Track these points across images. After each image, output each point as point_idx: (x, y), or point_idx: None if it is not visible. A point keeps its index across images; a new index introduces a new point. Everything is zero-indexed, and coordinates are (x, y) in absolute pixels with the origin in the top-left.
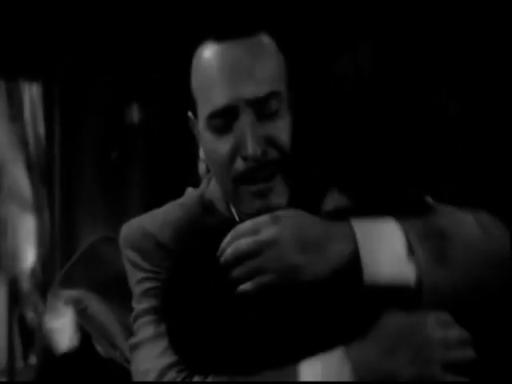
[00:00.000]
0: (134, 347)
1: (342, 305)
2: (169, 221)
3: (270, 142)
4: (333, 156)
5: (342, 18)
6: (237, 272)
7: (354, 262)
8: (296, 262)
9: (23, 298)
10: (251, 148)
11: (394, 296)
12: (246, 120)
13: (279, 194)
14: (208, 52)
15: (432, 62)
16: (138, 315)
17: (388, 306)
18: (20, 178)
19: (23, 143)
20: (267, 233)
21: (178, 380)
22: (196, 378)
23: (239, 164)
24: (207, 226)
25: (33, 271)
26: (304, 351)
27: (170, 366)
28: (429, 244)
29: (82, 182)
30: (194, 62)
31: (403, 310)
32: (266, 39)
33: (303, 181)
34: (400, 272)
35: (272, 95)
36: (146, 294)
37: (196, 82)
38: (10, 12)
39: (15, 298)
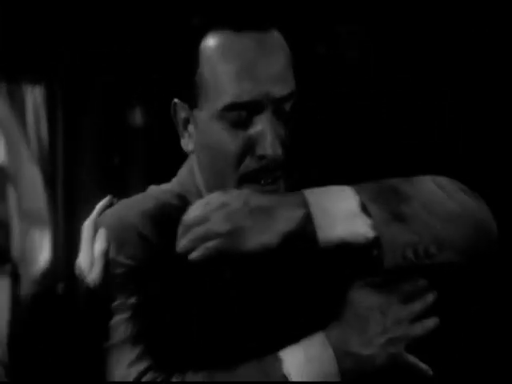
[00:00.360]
0: (109, 349)
1: (307, 278)
2: (148, 211)
3: (282, 143)
4: (327, 159)
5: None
6: (184, 241)
7: (307, 226)
8: (243, 225)
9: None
10: (272, 147)
11: (356, 260)
12: (268, 117)
13: None
14: (226, 41)
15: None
16: (113, 310)
17: (351, 274)
18: (27, 183)
19: (26, 146)
20: (215, 200)
21: (159, 380)
22: (174, 379)
23: (251, 162)
24: None
25: (35, 275)
26: (280, 334)
27: (146, 370)
28: (383, 201)
29: (85, 184)
30: (205, 49)
31: (368, 282)
32: (279, 36)
33: (298, 185)
34: (356, 231)
35: (291, 95)
36: (119, 290)
37: (208, 70)
38: (11, 14)
39: (17, 302)
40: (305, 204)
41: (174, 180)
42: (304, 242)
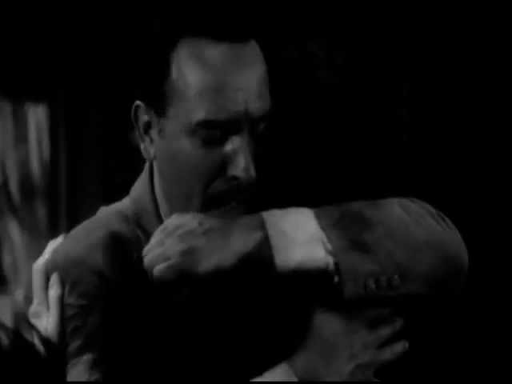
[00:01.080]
0: None
1: (267, 303)
2: (95, 242)
3: (255, 164)
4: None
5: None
6: (145, 262)
7: (263, 249)
8: (196, 243)
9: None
10: (246, 170)
11: (316, 287)
12: (244, 138)
13: None
14: (201, 50)
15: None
16: (68, 355)
17: (312, 299)
18: (22, 201)
19: (27, 164)
20: (170, 225)
21: None
22: None
23: (221, 183)
24: (140, 246)
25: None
26: (239, 359)
27: None
28: (343, 228)
29: (88, 202)
30: (178, 56)
31: (331, 306)
32: (257, 47)
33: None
34: (314, 257)
35: (268, 114)
36: (74, 332)
37: (180, 79)
38: (13, 33)
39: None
40: (262, 226)
41: (127, 198)
42: (261, 266)
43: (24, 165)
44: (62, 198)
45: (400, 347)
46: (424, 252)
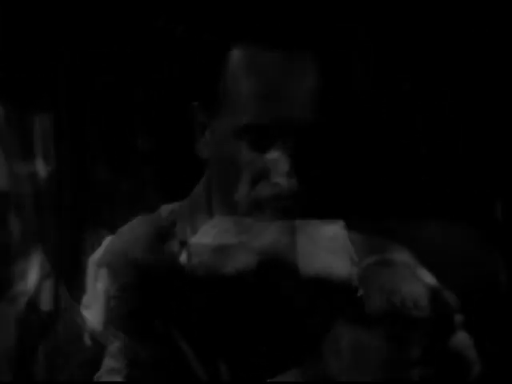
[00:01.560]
0: (96, 380)
1: (286, 310)
2: (138, 236)
3: (299, 173)
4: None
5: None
6: (181, 259)
7: (289, 255)
8: (229, 242)
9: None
10: (286, 178)
11: (339, 299)
12: (286, 145)
13: None
14: (252, 56)
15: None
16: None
17: (334, 312)
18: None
19: (33, 175)
20: (210, 224)
21: None
22: None
23: (265, 187)
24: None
25: (40, 303)
26: (255, 364)
27: None
28: (374, 244)
29: (94, 212)
30: (232, 61)
31: (353, 319)
32: (310, 58)
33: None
34: (338, 267)
35: (315, 123)
36: (111, 323)
37: (231, 83)
38: (16, 40)
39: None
40: (293, 232)
41: (188, 198)
42: (285, 271)
43: (31, 175)
44: (68, 206)
45: (431, 370)
46: (456, 273)
